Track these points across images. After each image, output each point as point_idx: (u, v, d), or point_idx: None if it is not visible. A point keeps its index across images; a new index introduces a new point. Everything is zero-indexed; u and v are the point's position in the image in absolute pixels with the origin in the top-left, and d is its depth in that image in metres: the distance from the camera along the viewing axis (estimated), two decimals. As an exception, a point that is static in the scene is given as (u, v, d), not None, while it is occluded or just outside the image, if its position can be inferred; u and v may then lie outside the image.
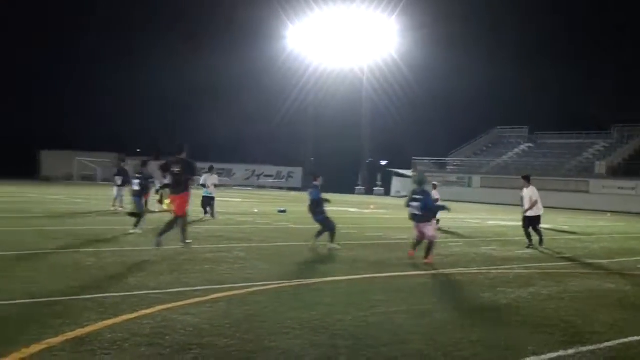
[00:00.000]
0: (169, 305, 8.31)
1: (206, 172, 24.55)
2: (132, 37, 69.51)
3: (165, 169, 14.23)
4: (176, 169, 13.94)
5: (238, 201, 38.21)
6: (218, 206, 24.55)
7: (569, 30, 74.47)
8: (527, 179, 18.53)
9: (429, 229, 13.74)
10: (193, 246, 14.20)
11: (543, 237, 17.97)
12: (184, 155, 14.20)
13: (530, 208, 17.98)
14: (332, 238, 15.06)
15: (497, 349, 7.02)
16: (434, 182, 23.56)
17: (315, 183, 15.35)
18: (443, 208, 14.89)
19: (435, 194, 20.43)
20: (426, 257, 13.45)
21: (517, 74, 69.04)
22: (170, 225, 13.91)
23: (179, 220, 14.04)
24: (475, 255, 15.54)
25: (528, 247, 17.35)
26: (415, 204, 13.60)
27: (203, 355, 6.33)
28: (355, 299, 9.40)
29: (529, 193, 18.16)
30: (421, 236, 13.85)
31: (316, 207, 15.10)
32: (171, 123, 73.42)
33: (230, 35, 69.81)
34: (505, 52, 72.20)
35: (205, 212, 23.43)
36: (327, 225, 15.10)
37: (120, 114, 69.40)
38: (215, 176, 25.12)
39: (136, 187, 18.28)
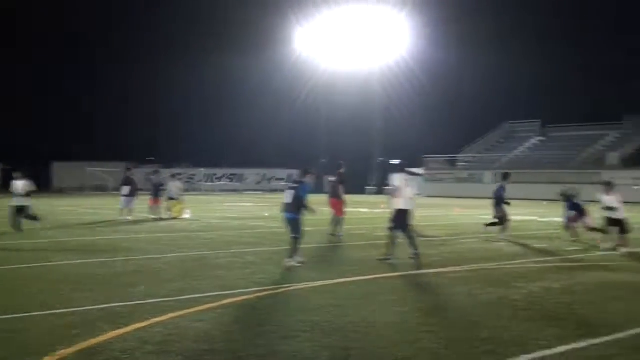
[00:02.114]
0: (180, 313, 8.34)
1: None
2: (140, 42, 69.75)
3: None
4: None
5: (249, 205, 38.28)
6: (230, 211, 24.64)
7: (575, 21, 74.13)
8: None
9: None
10: (204, 252, 14.24)
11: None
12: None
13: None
14: (293, 252, 12.60)
15: (509, 344, 7.01)
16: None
17: (305, 180, 13.11)
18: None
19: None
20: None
21: (527, 68, 68.85)
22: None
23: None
24: (487, 251, 15.50)
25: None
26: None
27: (214, 361, 6.36)
28: (366, 300, 9.41)
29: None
30: None
31: (295, 206, 12.66)
32: (183, 130, 73.72)
33: (239, 39, 69.85)
34: (514, 46, 71.96)
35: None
36: (294, 229, 12.67)
37: (131, 122, 69.75)
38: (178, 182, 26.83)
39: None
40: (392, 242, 13.31)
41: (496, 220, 19.37)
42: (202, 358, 6.44)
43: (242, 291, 9.86)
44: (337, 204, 18.98)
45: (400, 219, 13.03)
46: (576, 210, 18.65)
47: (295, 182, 13.22)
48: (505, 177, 20.23)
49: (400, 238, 13.19)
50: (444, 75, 68.63)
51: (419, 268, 12.36)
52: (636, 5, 69.23)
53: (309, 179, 13.18)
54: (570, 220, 18.72)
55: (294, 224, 12.63)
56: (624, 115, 62.52)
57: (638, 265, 13.32)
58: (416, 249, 12.92)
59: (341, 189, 19.02)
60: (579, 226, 18.54)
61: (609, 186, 17.42)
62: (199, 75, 70.81)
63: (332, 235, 18.55)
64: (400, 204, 13.05)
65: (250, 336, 7.27)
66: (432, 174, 65.49)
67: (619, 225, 16.51)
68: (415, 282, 11.13)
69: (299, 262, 12.55)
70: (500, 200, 19.25)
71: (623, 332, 7.54)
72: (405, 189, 13.10)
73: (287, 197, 12.70)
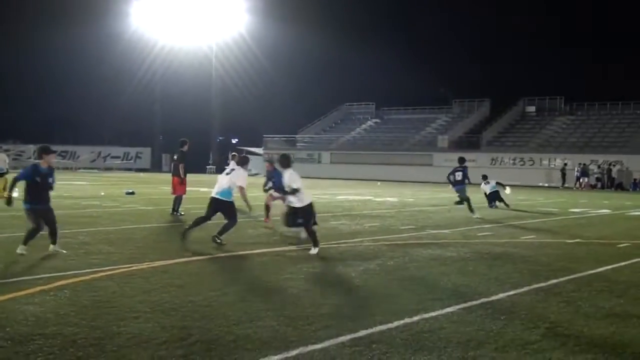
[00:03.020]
0: (9, 296, 7.91)
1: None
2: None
3: None
4: None
5: (83, 184, 36.86)
6: (62, 190, 23.65)
7: (414, 10, 77.01)
8: None
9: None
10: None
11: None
12: None
13: None
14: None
15: (346, 319, 7.20)
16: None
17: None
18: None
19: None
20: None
21: (364, 51, 70.76)
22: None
23: None
24: (325, 230, 15.83)
25: None
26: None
27: (47, 345, 6.08)
28: (206, 279, 9.36)
29: None
30: None
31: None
32: (11, 106, 69.57)
33: (72, 10, 66.70)
34: (353, 29, 73.77)
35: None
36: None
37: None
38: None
39: None
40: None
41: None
42: (33, 343, 6.14)
43: (76, 272, 9.49)
44: (178, 183, 18.71)
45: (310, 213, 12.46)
46: None
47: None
48: (461, 161, 21.74)
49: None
50: (283, 55, 69.24)
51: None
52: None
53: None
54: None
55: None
56: (452, 100, 65.85)
57: (465, 242, 14.09)
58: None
59: (181, 167, 18.66)
60: None
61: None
62: (30, 47, 67.05)
63: (173, 214, 18.34)
64: (308, 197, 12.46)
65: (86, 319, 7.01)
66: (270, 153, 65.87)
67: None
68: (255, 261, 11.18)
69: None
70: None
71: (451, 306, 7.96)
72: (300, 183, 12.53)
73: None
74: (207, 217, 12.96)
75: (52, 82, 69.57)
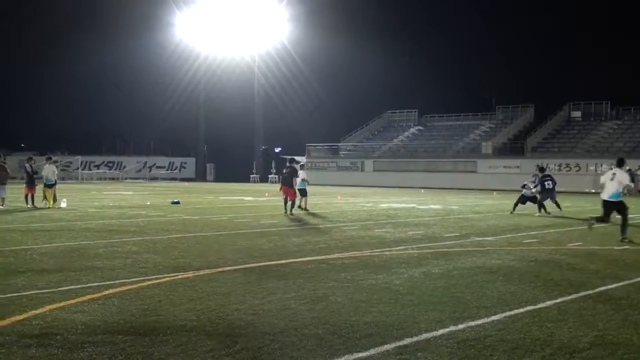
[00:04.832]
0: (60, 304, 8.08)
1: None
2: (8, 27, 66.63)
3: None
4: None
5: (130, 194, 37.41)
6: (109, 199, 24.04)
7: (457, 18, 76.63)
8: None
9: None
10: (83, 242, 13.81)
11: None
12: None
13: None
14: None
15: (391, 328, 7.19)
16: (301, 163, 28.95)
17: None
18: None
19: (302, 174, 24.41)
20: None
21: (406, 58, 70.64)
22: None
23: None
24: (370, 238, 15.83)
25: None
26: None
27: (96, 353, 6.19)
28: (251, 288, 9.42)
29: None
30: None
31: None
32: (59, 117, 71.03)
33: (118, 23, 67.92)
34: (394, 36, 73.63)
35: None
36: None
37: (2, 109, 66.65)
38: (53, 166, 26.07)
39: None
40: None
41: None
42: (83, 350, 6.26)
43: (124, 281, 9.66)
44: (290, 191, 23.19)
45: None
46: None
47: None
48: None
49: None
50: (325, 64, 69.41)
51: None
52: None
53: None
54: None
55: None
56: (496, 106, 65.27)
57: (510, 250, 13.95)
58: None
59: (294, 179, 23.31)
60: None
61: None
62: (76, 60, 68.38)
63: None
64: None
65: (134, 327, 7.13)
66: (314, 162, 66.07)
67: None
68: (300, 269, 11.22)
69: None
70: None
71: (497, 314, 7.90)
72: None
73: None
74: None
75: (98, 94, 70.96)
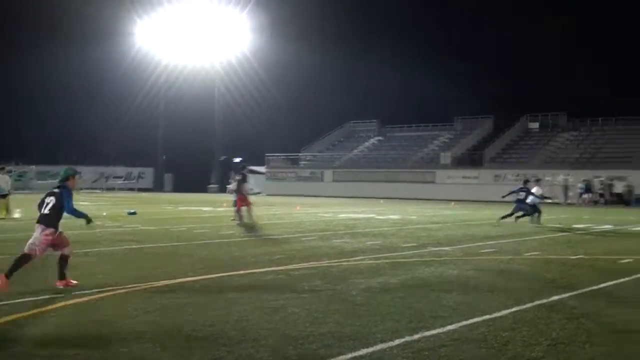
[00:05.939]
0: (11, 317, 7.93)
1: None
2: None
3: None
4: None
5: (86, 204, 36.91)
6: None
7: (416, 29, 77.36)
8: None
9: None
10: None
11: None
12: None
13: None
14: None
15: (347, 338, 7.20)
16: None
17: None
18: None
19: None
20: None
21: (367, 69, 71.08)
22: None
23: None
24: (328, 249, 15.84)
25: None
26: None
27: (48, 367, 6.10)
28: (210, 299, 9.36)
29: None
30: None
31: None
32: (12, 126, 69.80)
33: (75, 30, 67.07)
34: (356, 47, 74.09)
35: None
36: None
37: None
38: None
39: None
40: None
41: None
42: (35, 364, 6.16)
43: (78, 293, 9.52)
44: (243, 199, 22.88)
45: None
46: None
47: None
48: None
49: None
50: (286, 73, 69.50)
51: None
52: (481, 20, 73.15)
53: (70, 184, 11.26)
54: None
55: None
56: (455, 117, 65.95)
57: (467, 259, 14.07)
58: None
59: (245, 186, 23.18)
60: None
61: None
62: (32, 67, 67.36)
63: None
64: None
65: (88, 339, 7.03)
66: (274, 172, 65.99)
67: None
68: (259, 280, 11.18)
69: None
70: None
71: (453, 324, 7.96)
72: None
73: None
74: None
75: (55, 102, 69.87)
